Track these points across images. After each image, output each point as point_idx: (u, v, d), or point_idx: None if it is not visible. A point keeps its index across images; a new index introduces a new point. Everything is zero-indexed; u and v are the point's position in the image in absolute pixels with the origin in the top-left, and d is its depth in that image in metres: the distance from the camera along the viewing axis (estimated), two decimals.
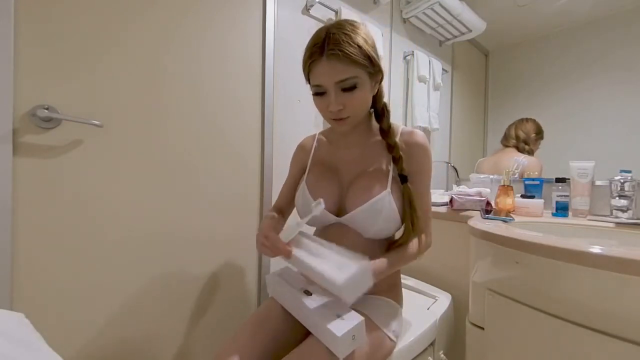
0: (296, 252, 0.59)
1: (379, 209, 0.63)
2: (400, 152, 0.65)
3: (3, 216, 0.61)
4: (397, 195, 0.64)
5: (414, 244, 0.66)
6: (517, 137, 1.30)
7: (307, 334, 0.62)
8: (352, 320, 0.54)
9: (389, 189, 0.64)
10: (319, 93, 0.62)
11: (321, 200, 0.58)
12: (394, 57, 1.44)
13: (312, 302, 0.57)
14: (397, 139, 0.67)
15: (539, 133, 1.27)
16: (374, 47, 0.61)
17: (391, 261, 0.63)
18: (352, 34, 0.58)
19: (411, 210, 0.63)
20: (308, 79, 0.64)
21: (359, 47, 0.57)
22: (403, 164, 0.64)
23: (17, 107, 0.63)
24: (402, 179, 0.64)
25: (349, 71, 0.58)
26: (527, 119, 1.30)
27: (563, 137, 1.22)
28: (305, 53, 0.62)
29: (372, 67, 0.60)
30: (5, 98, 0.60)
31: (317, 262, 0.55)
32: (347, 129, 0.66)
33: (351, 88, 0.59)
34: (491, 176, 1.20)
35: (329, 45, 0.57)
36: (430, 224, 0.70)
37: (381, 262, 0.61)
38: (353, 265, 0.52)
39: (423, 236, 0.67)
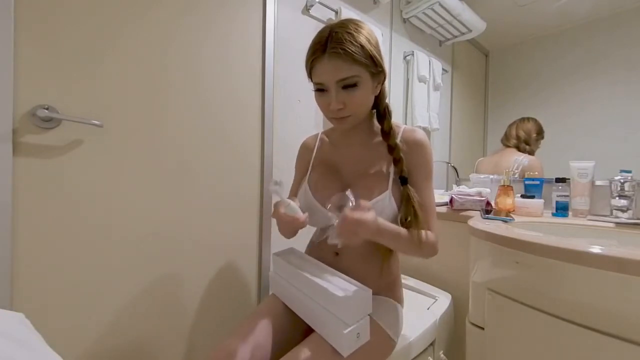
0: (303, 271, 0.62)
1: (380, 210, 0.63)
2: (401, 154, 0.65)
3: (3, 216, 0.61)
4: (397, 197, 0.64)
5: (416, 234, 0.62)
6: (518, 137, 1.30)
7: (307, 330, 0.62)
8: None
9: (389, 190, 0.64)
10: (320, 90, 0.62)
11: (278, 181, 0.59)
12: (394, 57, 1.44)
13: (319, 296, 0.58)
14: (399, 138, 0.67)
15: (540, 133, 1.27)
16: (377, 47, 0.61)
17: (392, 228, 0.60)
18: (355, 33, 0.57)
19: (409, 212, 0.63)
20: (310, 76, 0.64)
21: (362, 46, 0.57)
22: (403, 165, 0.64)
23: (17, 107, 0.63)
24: (402, 180, 0.64)
25: (351, 70, 0.57)
26: (527, 119, 1.30)
27: (563, 137, 1.22)
28: (308, 50, 0.62)
29: (374, 67, 0.60)
30: (5, 98, 0.60)
31: (321, 281, 0.58)
32: (348, 127, 0.66)
33: (352, 87, 0.59)
34: (491, 176, 1.20)
35: (332, 44, 0.57)
36: (433, 220, 0.66)
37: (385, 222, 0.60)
38: (358, 287, 0.56)
39: (423, 232, 0.62)
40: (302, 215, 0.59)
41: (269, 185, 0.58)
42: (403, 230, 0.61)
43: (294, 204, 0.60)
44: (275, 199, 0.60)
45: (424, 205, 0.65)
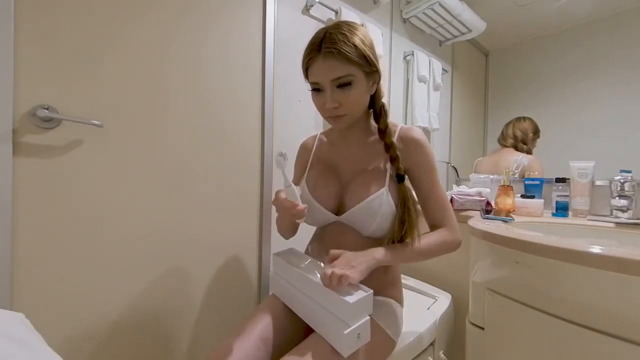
0: (303, 271, 0.62)
1: (377, 207, 0.63)
2: (397, 152, 0.65)
3: (3, 216, 0.61)
4: (395, 194, 0.65)
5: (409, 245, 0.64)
6: (515, 137, 1.30)
7: (307, 331, 0.62)
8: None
9: (386, 187, 0.64)
10: (316, 89, 0.63)
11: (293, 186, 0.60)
12: (394, 57, 1.44)
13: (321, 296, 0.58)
14: (395, 137, 0.68)
15: (536, 132, 1.27)
16: (371, 48, 0.62)
17: (394, 251, 0.62)
18: (348, 34, 0.59)
19: (404, 209, 0.63)
20: (307, 77, 0.65)
21: (355, 46, 0.58)
22: (400, 163, 0.65)
23: (17, 107, 0.63)
24: (399, 178, 0.65)
25: (345, 69, 0.59)
26: (523, 118, 1.30)
27: (563, 137, 1.22)
28: (304, 51, 0.63)
29: (368, 66, 0.61)
30: (5, 98, 0.60)
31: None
32: (344, 126, 0.67)
33: (347, 86, 0.60)
34: (491, 176, 1.21)
35: (326, 44, 0.58)
36: (447, 215, 0.67)
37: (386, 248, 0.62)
38: (358, 288, 0.55)
39: (417, 239, 0.63)
40: (301, 204, 0.59)
41: (275, 156, 0.58)
42: (397, 251, 0.63)
43: (295, 189, 0.60)
44: (278, 173, 0.60)
45: (438, 203, 0.66)
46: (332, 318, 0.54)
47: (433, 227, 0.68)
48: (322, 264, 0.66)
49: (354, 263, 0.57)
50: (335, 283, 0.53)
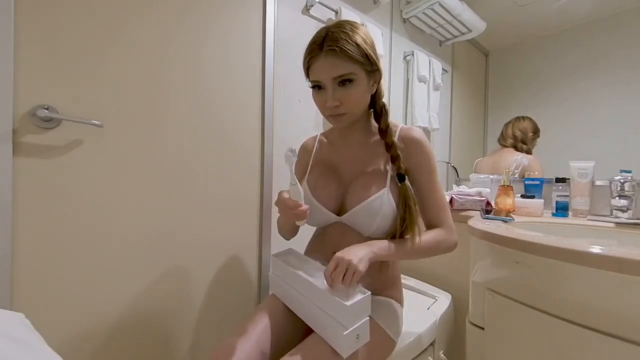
0: (301, 272, 0.62)
1: (378, 207, 0.63)
2: (398, 151, 0.65)
3: (3, 216, 0.61)
4: (395, 194, 0.65)
5: (416, 238, 0.64)
6: (515, 137, 1.30)
7: (307, 331, 0.62)
8: None
9: (387, 187, 0.64)
10: (317, 87, 0.64)
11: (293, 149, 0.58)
12: (394, 57, 1.44)
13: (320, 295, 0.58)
14: (396, 137, 0.68)
15: (536, 132, 1.27)
16: (372, 47, 0.62)
17: (392, 245, 0.62)
18: (350, 33, 0.59)
19: (406, 208, 0.63)
20: (307, 75, 0.65)
21: (357, 45, 0.59)
22: (401, 163, 0.65)
23: (17, 107, 0.63)
24: (400, 178, 0.64)
25: (346, 67, 0.59)
26: (523, 118, 1.30)
27: (563, 137, 1.22)
28: (305, 50, 0.63)
29: (369, 65, 0.61)
30: (5, 98, 0.60)
31: (320, 283, 0.58)
32: (345, 125, 0.67)
33: (348, 85, 0.60)
34: (491, 176, 1.21)
35: (328, 42, 0.58)
36: (444, 215, 0.66)
37: (382, 242, 0.62)
38: (356, 290, 0.55)
39: (417, 239, 0.63)
40: (304, 204, 0.59)
41: (285, 151, 0.57)
42: (394, 245, 0.62)
43: (300, 188, 0.59)
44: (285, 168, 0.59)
45: (437, 204, 0.66)
46: (330, 320, 0.54)
47: (430, 227, 0.68)
48: (321, 265, 0.66)
49: (360, 254, 0.56)
50: (350, 277, 0.53)
